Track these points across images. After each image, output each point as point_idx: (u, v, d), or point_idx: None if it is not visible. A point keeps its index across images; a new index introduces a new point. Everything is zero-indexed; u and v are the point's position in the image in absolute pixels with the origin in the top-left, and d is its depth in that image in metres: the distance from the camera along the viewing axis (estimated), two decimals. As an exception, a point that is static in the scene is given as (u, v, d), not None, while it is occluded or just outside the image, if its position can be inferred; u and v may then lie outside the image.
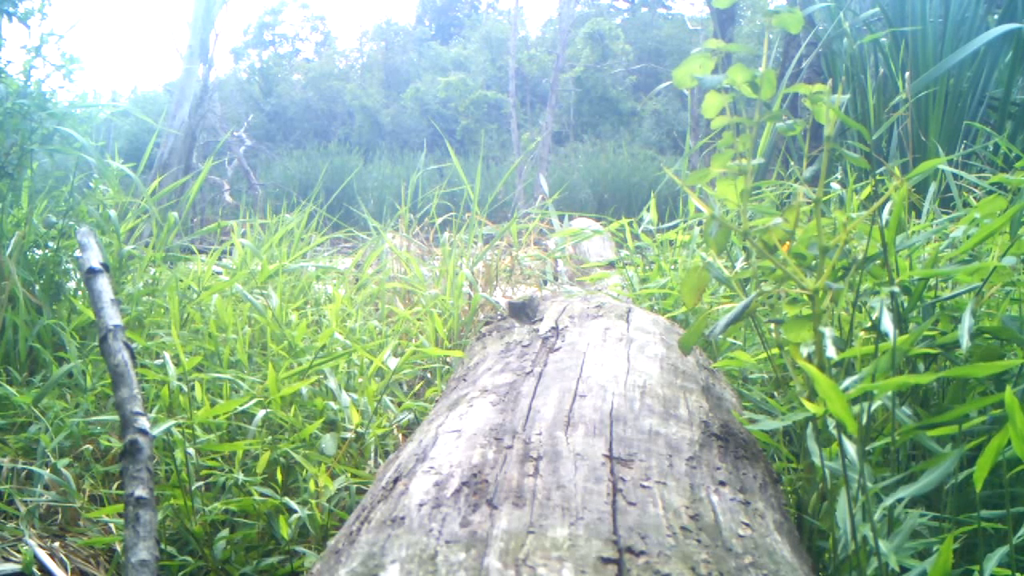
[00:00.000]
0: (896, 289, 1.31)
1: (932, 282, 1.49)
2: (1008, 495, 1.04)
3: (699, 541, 0.86)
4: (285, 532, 1.61)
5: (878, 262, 1.33)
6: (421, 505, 0.91)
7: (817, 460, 1.18)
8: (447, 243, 3.56)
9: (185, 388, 1.92)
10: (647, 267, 2.92)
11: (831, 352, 1.19)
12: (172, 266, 3.16)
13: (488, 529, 0.83)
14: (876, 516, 1.03)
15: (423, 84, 18.93)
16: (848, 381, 1.08)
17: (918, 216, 2.42)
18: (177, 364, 1.94)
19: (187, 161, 8.76)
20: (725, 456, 1.15)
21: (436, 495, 0.93)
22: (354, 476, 1.79)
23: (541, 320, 1.87)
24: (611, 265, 3.54)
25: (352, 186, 10.35)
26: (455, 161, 3.98)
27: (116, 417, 1.79)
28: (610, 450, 1.06)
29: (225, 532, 1.63)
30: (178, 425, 1.73)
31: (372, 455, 1.95)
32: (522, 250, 4.12)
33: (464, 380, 1.61)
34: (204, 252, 3.39)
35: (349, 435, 1.91)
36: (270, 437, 1.87)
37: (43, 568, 1.55)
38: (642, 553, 0.80)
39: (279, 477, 1.72)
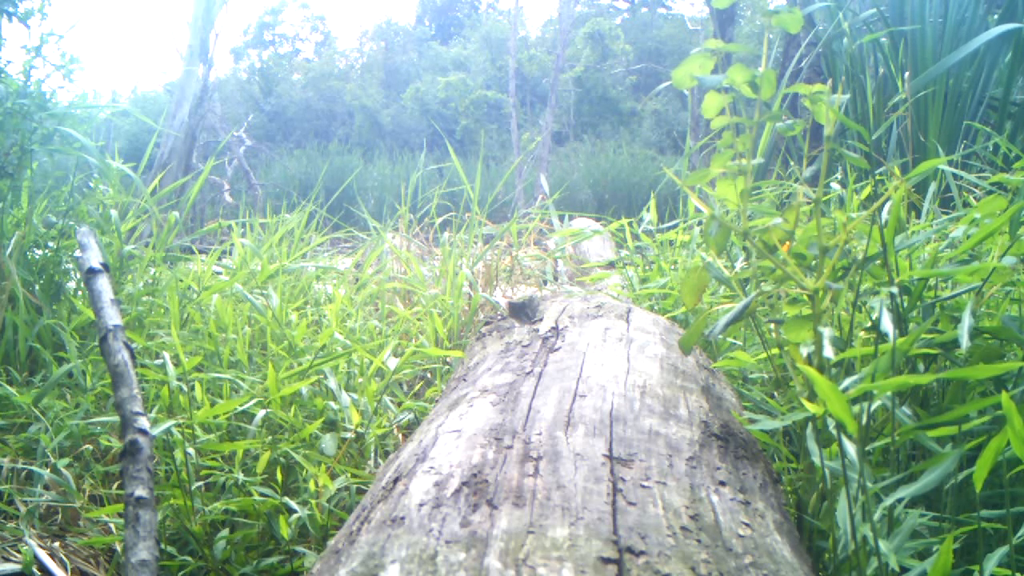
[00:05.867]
0: (896, 289, 1.31)
1: (932, 282, 1.49)
2: (1008, 495, 1.04)
3: (699, 541, 0.86)
4: (285, 532, 1.61)
5: (878, 262, 1.33)
6: (421, 505, 0.91)
7: (817, 460, 1.18)
8: (447, 243, 3.56)
9: (185, 388, 1.92)
10: (647, 267, 2.92)
11: (829, 352, 1.19)
12: (172, 266, 3.16)
13: (488, 529, 0.83)
14: (876, 516, 1.03)
15: (423, 84, 18.92)
16: (848, 381, 1.08)
17: (918, 216, 2.42)
18: (177, 364, 1.94)
19: (187, 161, 8.76)
20: (725, 456, 1.15)
21: (436, 495, 0.93)
22: (354, 476, 1.79)
23: (541, 320, 1.86)
24: (611, 265, 3.54)
25: (352, 186, 10.33)
26: (455, 161, 3.98)
27: (116, 417, 1.79)
28: (610, 450, 1.06)
29: (225, 532, 1.63)
30: (178, 425, 1.73)
31: (372, 455, 1.95)
32: (522, 250, 4.12)
33: (464, 380, 1.61)
34: (204, 252, 3.39)
35: (349, 435, 1.91)
36: (270, 437, 1.87)
37: (43, 568, 1.55)
38: (642, 553, 0.80)
39: (279, 477, 1.72)
